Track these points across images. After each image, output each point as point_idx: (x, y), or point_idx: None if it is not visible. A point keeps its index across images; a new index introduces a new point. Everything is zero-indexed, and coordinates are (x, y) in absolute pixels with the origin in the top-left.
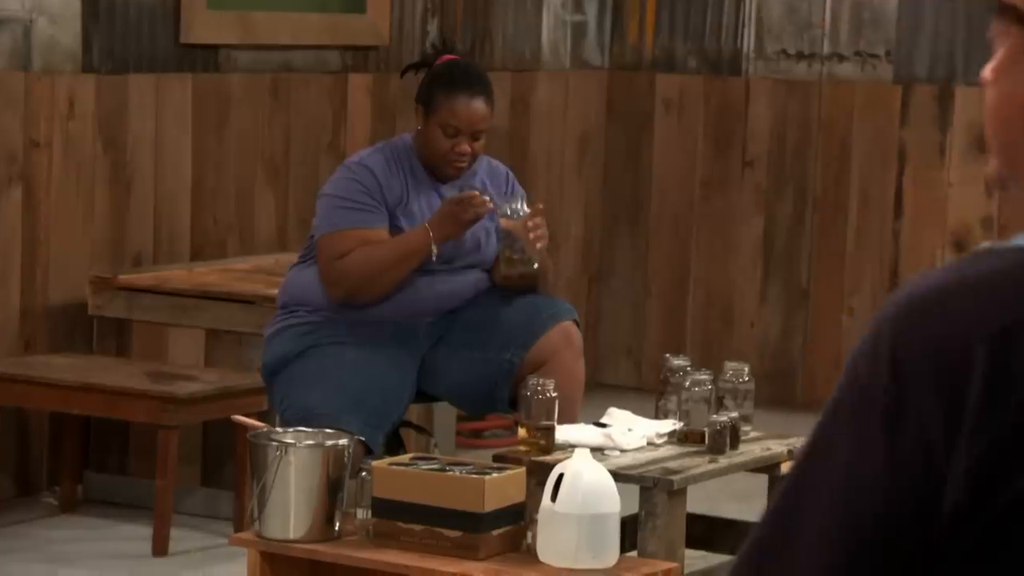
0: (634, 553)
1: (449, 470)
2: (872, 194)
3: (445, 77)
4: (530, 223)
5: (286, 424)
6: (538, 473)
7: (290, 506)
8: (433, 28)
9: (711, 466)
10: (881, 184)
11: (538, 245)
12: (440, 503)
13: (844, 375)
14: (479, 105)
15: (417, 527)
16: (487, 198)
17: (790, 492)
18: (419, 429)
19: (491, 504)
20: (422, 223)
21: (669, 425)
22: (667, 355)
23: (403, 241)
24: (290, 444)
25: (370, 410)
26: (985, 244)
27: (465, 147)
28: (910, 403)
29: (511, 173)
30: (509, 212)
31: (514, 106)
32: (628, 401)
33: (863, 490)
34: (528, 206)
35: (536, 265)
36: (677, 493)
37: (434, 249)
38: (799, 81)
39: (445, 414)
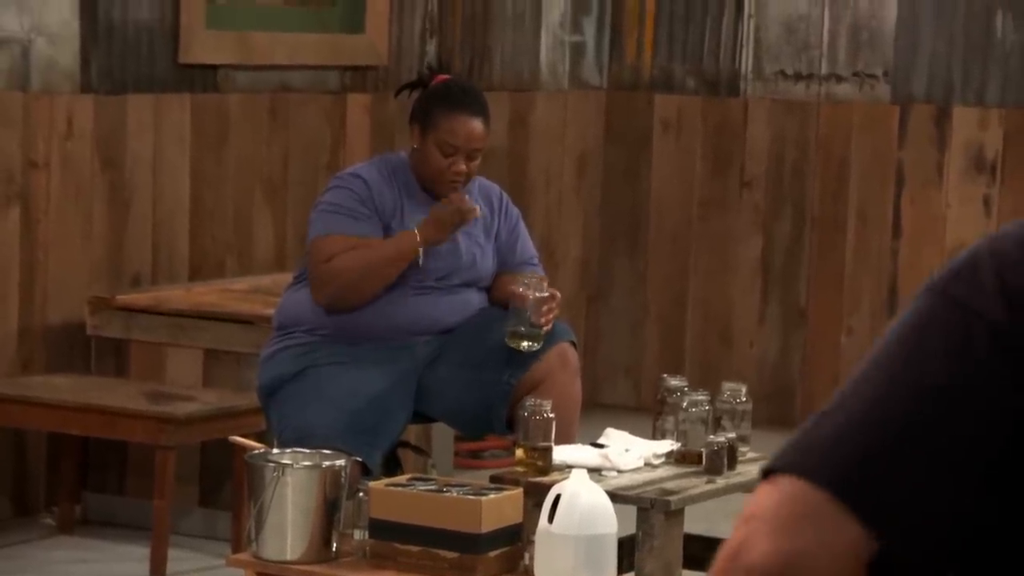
0: (631, 574)
1: (446, 491)
2: (870, 214)
3: (443, 96)
4: (545, 307)
5: (284, 445)
6: (535, 494)
7: (287, 527)
8: (432, 48)
9: (708, 487)
10: (879, 204)
11: (546, 328)
12: (437, 524)
13: (925, 299)
14: (477, 124)
15: (414, 548)
16: (476, 205)
17: (859, 389)
18: (417, 450)
19: (488, 525)
20: (410, 232)
21: (666, 445)
22: (665, 375)
23: (391, 243)
24: (287, 465)
25: (367, 430)
26: None
27: (461, 166)
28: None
29: (504, 194)
30: (523, 288)
31: (512, 126)
32: (626, 421)
33: (961, 388)
34: (542, 276)
35: (540, 344)
36: (674, 514)
37: (420, 253)
38: (797, 101)
39: (443, 434)
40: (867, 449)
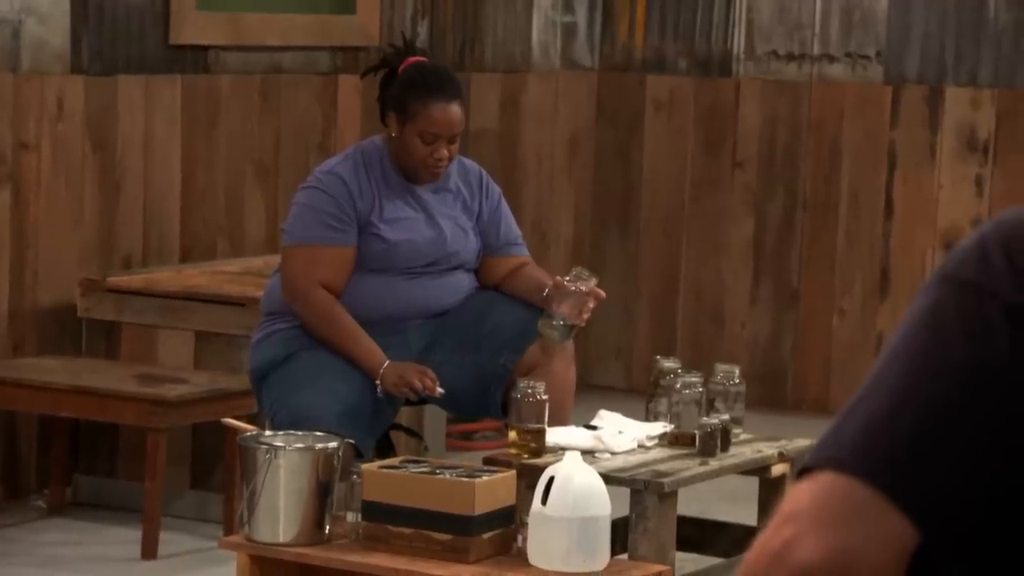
0: (625, 556)
1: (439, 473)
2: (862, 195)
3: (418, 84)
4: (584, 304)
5: (276, 428)
6: (528, 476)
7: (280, 509)
8: (423, 29)
9: (702, 468)
10: (871, 185)
11: (580, 324)
12: (430, 506)
13: (937, 286)
14: (455, 109)
15: (407, 530)
16: (440, 391)
17: (882, 382)
18: (409, 432)
19: (481, 507)
20: (384, 357)
21: (660, 427)
22: (657, 357)
23: (363, 347)
24: (280, 447)
25: (360, 413)
26: None
27: (443, 151)
28: None
29: (484, 173)
30: (568, 282)
31: (504, 107)
32: (618, 403)
33: (983, 370)
34: (585, 277)
35: (569, 339)
36: (668, 495)
37: (377, 384)
38: (789, 82)
39: (435, 417)
40: (899, 438)
